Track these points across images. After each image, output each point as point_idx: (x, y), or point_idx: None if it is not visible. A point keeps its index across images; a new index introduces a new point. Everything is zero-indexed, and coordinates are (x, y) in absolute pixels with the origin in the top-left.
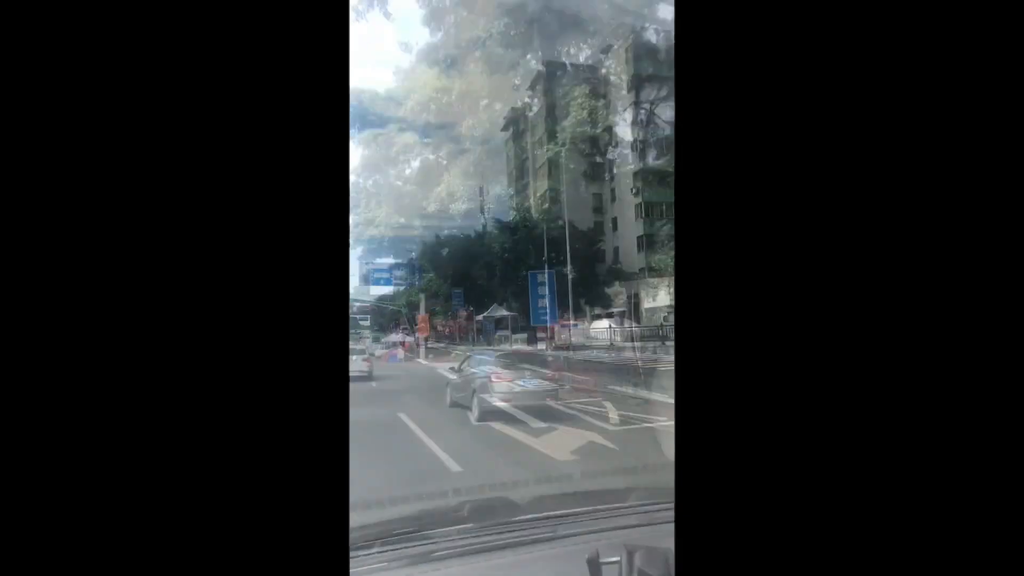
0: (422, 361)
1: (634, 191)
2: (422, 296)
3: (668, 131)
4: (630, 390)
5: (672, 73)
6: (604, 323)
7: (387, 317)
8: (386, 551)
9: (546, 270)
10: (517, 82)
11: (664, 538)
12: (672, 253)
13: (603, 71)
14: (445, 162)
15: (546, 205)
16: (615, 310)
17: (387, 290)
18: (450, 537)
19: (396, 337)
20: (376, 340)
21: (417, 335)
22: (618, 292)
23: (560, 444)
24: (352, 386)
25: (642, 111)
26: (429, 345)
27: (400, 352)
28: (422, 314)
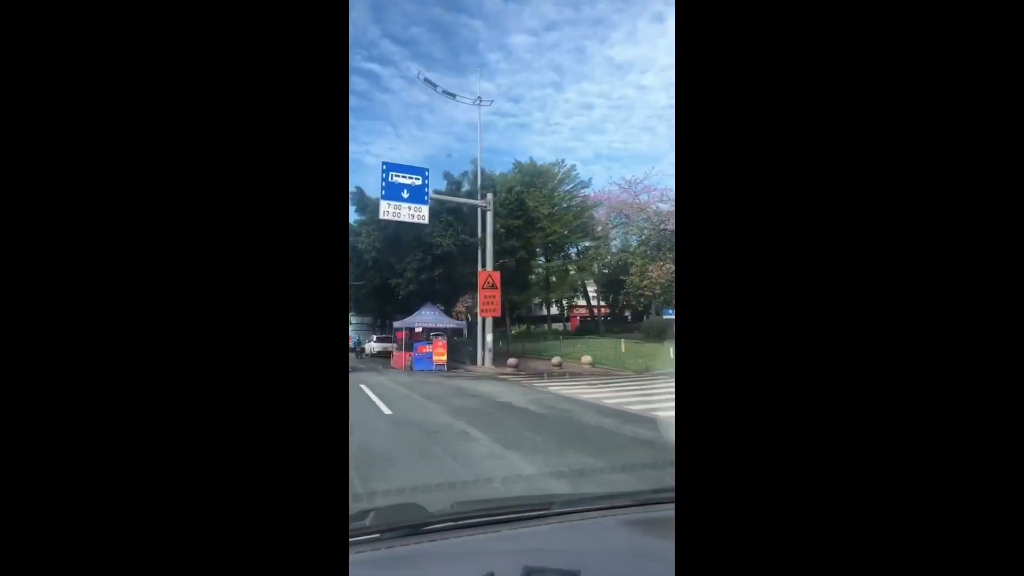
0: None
1: None
2: (489, 232)
3: None
4: None
5: None
6: None
7: (415, 274)
8: (380, 527)
9: None
10: None
11: (660, 525)
12: None
13: None
14: None
15: None
16: None
17: (421, 213)
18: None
19: (427, 316)
20: (371, 327)
21: (475, 319)
22: None
23: None
24: None
25: None
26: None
27: (436, 350)
28: (485, 270)
